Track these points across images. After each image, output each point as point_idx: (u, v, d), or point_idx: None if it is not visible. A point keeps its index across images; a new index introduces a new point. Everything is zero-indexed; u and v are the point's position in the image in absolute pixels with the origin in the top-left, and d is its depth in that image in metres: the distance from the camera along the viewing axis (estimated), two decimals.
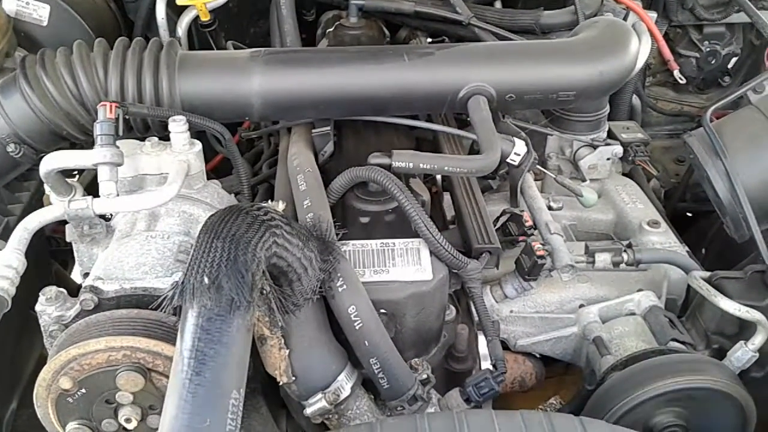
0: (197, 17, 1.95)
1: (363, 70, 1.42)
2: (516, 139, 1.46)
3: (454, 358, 1.29)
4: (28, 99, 1.34)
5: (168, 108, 1.32)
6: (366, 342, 1.11)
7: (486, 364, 1.31)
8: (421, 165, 1.29)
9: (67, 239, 1.24)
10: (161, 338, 1.00)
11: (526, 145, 1.51)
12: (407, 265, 1.22)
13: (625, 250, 1.38)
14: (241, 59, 1.43)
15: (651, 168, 1.79)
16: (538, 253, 1.33)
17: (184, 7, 1.93)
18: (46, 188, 1.32)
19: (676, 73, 2.01)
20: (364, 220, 1.30)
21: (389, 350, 1.13)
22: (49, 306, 1.07)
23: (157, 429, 1.03)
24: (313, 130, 1.50)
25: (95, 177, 1.19)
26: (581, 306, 1.41)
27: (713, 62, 2.22)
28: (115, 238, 1.23)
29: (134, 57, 1.37)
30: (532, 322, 1.42)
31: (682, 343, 1.28)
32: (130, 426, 1.03)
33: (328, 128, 1.51)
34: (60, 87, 1.34)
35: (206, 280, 0.92)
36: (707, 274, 1.33)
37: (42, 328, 1.09)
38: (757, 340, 1.23)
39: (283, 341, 1.09)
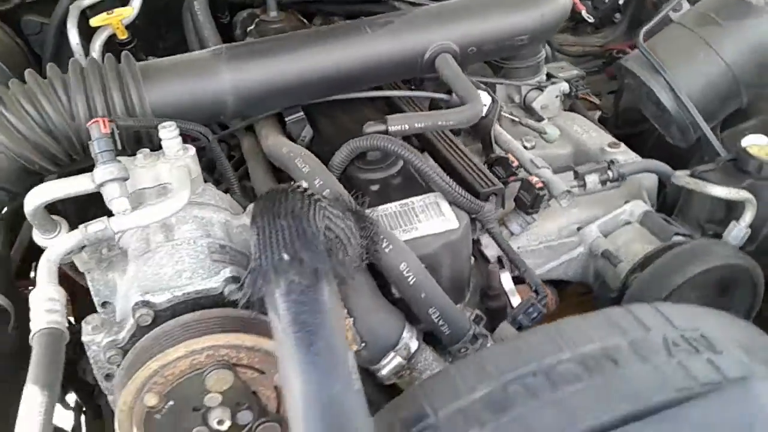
0: (111, 37, 1.88)
1: (329, 48, 1.43)
2: (479, 91, 1.52)
3: (489, 297, 1.33)
4: None
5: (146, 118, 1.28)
6: (423, 294, 1.13)
7: (514, 299, 1.36)
8: (416, 125, 1.33)
9: (82, 269, 1.18)
10: (237, 331, 0.98)
11: (490, 95, 1.58)
12: (432, 218, 1.25)
13: (609, 168, 1.48)
14: (204, 59, 1.40)
15: (594, 98, 1.91)
16: (537, 185, 1.40)
17: (93, 31, 1.86)
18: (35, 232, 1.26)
19: (584, 13, 2.16)
20: (375, 188, 1.32)
21: (443, 297, 1.16)
22: (97, 334, 1.02)
23: (247, 425, 1.01)
24: (287, 118, 1.50)
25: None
26: (579, 229, 1.50)
27: (606, 1, 2.40)
28: (132, 257, 1.17)
29: (95, 75, 1.32)
30: (539, 253, 1.48)
31: (684, 235, 1.39)
32: (223, 427, 0.99)
33: (301, 113, 1.51)
34: (23, 118, 1.27)
35: (286, 256, 0.91)
36: (688, 172, 1.46)
37: (92, 360, 1.03)
38: (747, 217, 1.36)
39: (345, 311, 1.10)
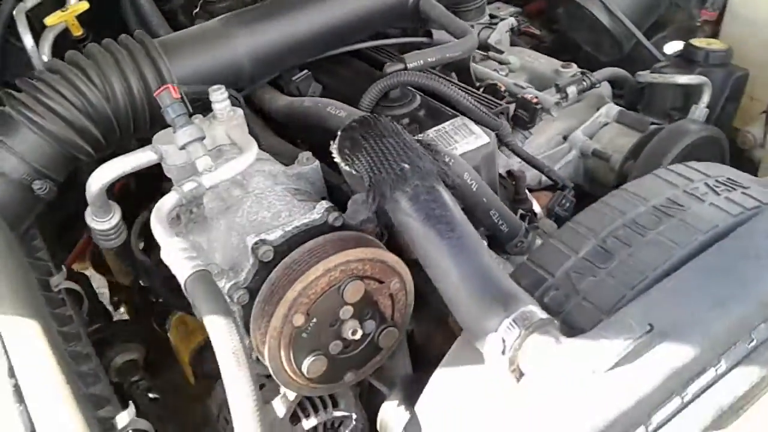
0: (61, 35, 1.87)
1: (328, 3, 1.53)
2: None
3: (518, 201, 1.51)
4: (35, 127, 1.27)
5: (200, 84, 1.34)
6: (484, 198, 1.29)
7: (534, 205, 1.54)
8: (429, 59, 1.47)
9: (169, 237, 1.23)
10: (358, 246, 1.09)
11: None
12: (465, 137, 1.40)
13: (584, 78, 1.69)
14: (217, 29, 1.47)
15: (535, 30, 2.13)
16: (533, 101, 1.59)
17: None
18: (90, 214, 1.29)
19: None
20: (405, 121, 1.45)
21: (498, 200, 1.32)
22: (219, 281, 1.10)
23: (371, 332, 1.13)
24: (295, 77, 1.59)
25: None
26: (564, 138, 1.70)
27: None
28: (216, 214, 1.24)
29: (122, 55, 1.35)
30: None
31: (656, 123, 1.62)
32: (356, 336, 1.10)
33: (306, 71, 1.60)
34: (64, 104, 1.29)
35: (406, 166, 1.03)
36: (648, 71, 1.70)
37: None
38: (705, 98, 1.62)
39: None
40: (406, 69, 1.44)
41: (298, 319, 1.05)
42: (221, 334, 0.91)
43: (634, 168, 1.53)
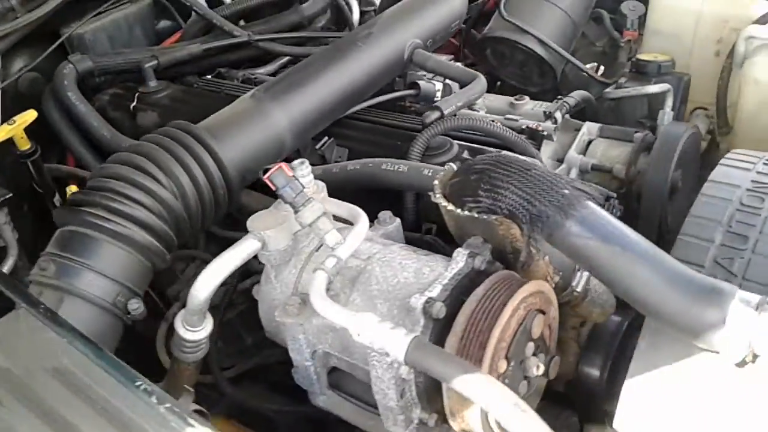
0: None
1: (343, 67, 1.54)
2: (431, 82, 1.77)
3: None
4: (118, 240, 1.14)
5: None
6: None
7: None
8: (458, 104, 1.53)
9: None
10: (523, 281, 1.10)
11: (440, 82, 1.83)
12: None
13: (565, 103, 1.83)
14: (251, 108, 1.41)
15: None
16: (539, 129, 1.69)
17: None
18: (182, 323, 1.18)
19: None
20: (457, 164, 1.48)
21: None
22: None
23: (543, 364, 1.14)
24: (317, 146, 1.56)
25: None
26: (559, 161, 1.83)
27: None
28: (342, 290, 1.18)
29: (177, 147, 1.26)
30: None
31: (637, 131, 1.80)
32: (539, 372, 1.10)
33: (327, 137, 1.58)
34: (140, 209, 1.18)
35: (566, 191, 1.07)
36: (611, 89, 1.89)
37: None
38: (669, 103, 1.83)
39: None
40: (443, 116, 1.49)
41: (502, 366, 1.03)
42: (492, 386, 0.88)
43: (645, 172, 1.68)
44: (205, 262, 1.11)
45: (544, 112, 1.82)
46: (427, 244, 1.38)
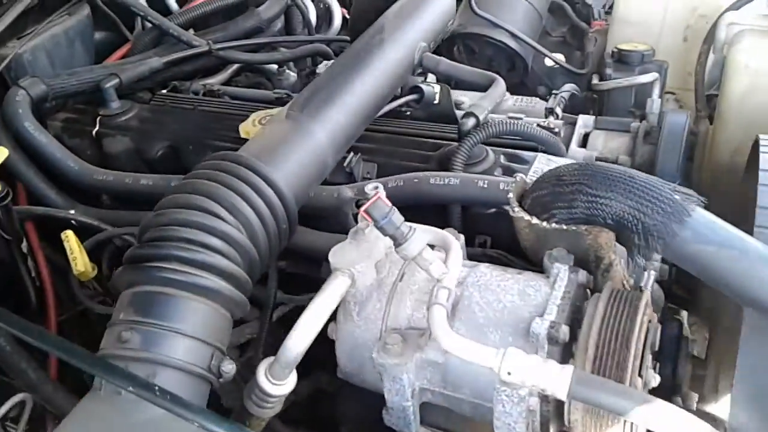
0: None
1: (368, 74, 1.44)
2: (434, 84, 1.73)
3: None
4: (201, 294, 1.01)
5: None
6: None
7: None
8: (489, 108, 1.49)
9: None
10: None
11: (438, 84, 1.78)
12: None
13: (562, 98, 1.83)
14: (292, 129, 1.29)
15: None
16: (552, 127, 1.68)
17: None
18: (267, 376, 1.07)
19: None
20: (499, 172, 1.44)
21: None
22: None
23: None
24: (345, 163, 1.47)
25: None
26: None
27: None
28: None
29: (233, 180, 1.13)
30: None
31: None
32: (656, 384, 1.08)
33: (353, 153, 1.49)
34: (215, 256, 1.05)
35: (677, 196, 1.05)
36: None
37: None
38: (656, 91, 1.88)
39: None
40: (479, 123, 1.43)
41: (638, 384, 1.00)
42: (679, 415, 0.85)
43: (650, 161, 1.70)
44: None
45: (546, 109, 1.81)
46: (488, 257, 1.33)
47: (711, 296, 1.60)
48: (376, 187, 1.14)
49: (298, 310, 1.46)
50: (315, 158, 1.27)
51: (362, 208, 1.02)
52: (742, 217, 1.22)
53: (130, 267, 1.01)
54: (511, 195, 1.19)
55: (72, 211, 1.69)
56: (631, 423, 0.94)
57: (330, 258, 1.10)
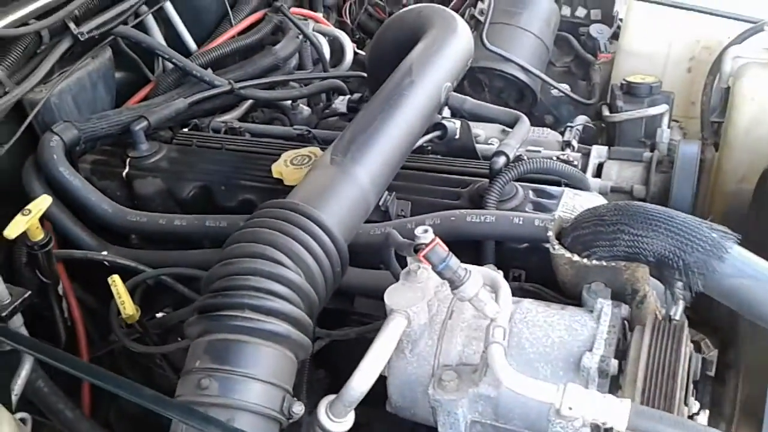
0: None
1: (400, 115, 1.49)
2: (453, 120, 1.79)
3: None
4: (270, 340, 1.06)
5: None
6: None
7: None
8: (517, 146, 1.55)
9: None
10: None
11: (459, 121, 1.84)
12: (586, 201, 1.51)
13: (577, 129, 1.90)
14: (336, 173, 1.34)
15: None
16: (572, 160, 1.75)
17: None
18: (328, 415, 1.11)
19: None
20: (530, 207, 1.50)
21: None
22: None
23: None
24: (380, 202, 1.52)
25: None
26: None
27: None
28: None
29: (290, 227, 1.18)
30: None
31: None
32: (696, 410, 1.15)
33: (386, 192, 1.54)
34: (281, 302, 1.09)
35: (714, 234, 1.12)
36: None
37: None
38: (665, 121, 1.96)
39: None
40: (509, 161, 1.50)
41: (684, 413, 1.07)
42: None
43: (664, 190, 1.78)
44: None
45: (563, 141, 1.89)
46: (525, 291, 1.39)
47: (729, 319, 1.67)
48: (426, 230, 1.20)
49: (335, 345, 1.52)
50: (360, 201, 1.33)
51: (421, 254, 1.08)
52: (755, 246, 1.29)
53: (203, 316, 1.05)
54: (550, 233, 1.25)
55: (105, 252, 1.73)
56: None
57: (386, 300, 1.15)
